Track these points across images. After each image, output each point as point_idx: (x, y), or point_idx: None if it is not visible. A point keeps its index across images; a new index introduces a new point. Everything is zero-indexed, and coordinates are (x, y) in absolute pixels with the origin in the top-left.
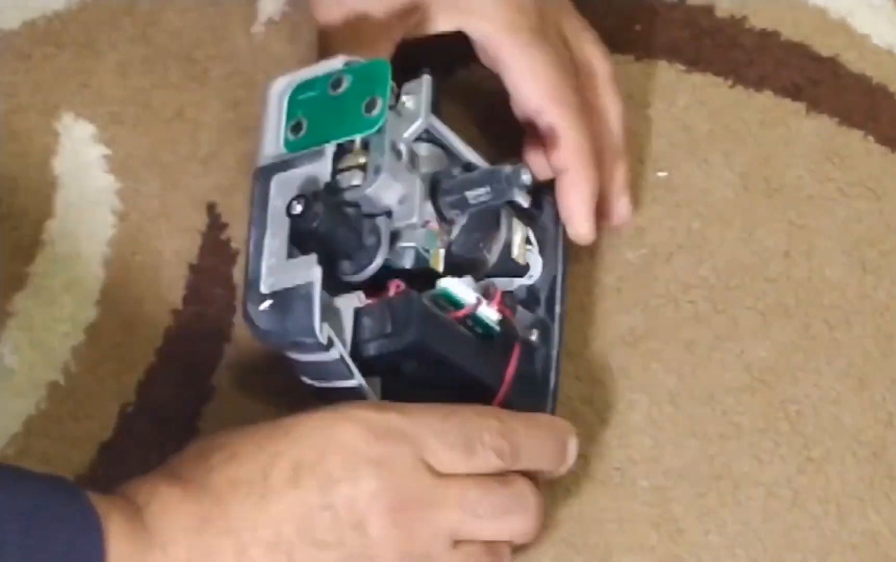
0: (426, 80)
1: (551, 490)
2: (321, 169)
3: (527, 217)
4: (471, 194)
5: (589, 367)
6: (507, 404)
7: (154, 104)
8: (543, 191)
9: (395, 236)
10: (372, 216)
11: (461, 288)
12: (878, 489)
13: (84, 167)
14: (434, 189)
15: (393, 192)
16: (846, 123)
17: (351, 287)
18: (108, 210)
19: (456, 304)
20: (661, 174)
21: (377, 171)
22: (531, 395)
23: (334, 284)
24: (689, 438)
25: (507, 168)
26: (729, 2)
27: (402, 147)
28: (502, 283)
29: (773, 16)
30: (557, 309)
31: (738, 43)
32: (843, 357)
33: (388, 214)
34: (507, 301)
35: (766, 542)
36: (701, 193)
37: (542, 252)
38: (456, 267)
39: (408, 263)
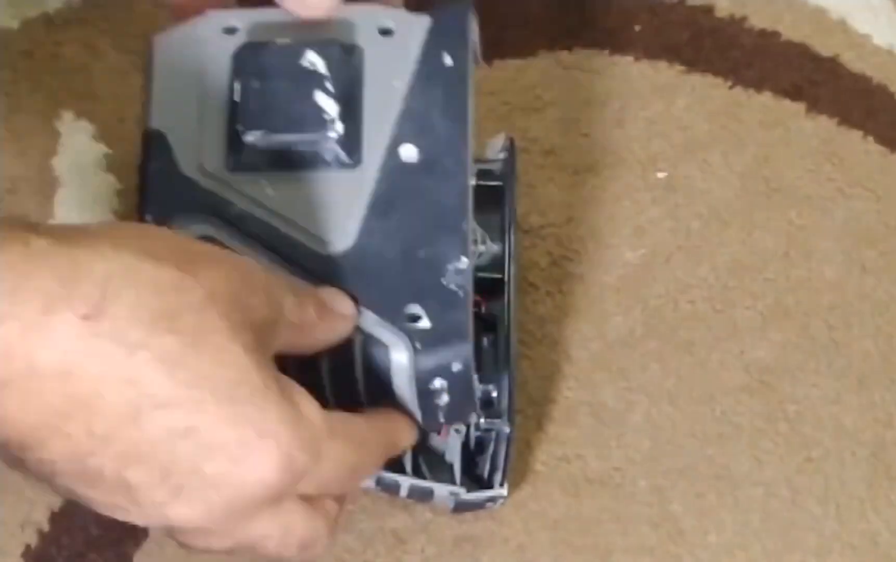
0: None
1: (548, 491)
2: None
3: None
4: None
5: (588, 367)
6: None
7: None
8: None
9: None
10: None
11: None
12: (877, 489)
13: (84, 167)
14: None
15: None
16: (846, 124)
17: None
18: (108, 210)
19: None
20: (660, 174)
21: None
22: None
23: None
24: (688, 438)
25: None
26: (729, 2)
27: None
28: None
29: (773, 16)
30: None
31: (737, 43)
32: (843, 357)
33: None
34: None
35: (766, 542)
36: (700, 194)
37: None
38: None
39: None
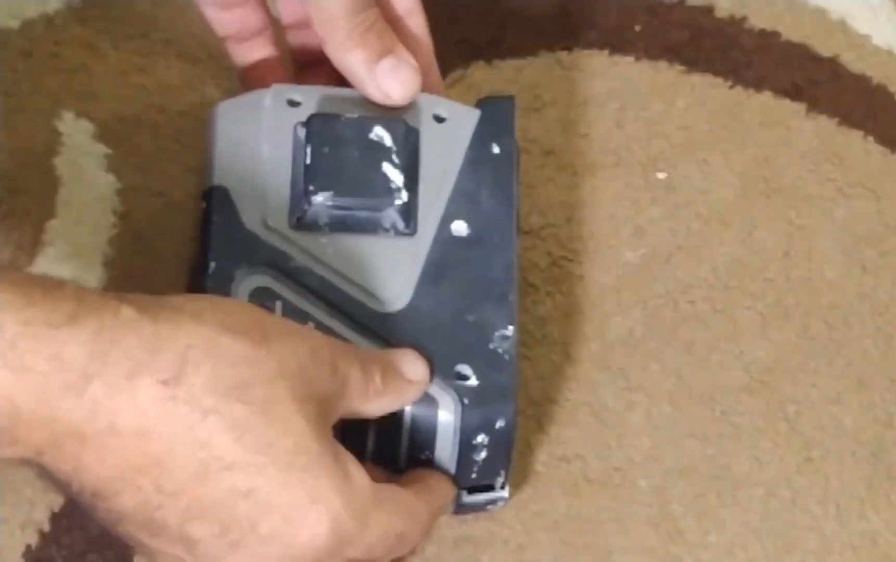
0: None
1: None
2: None
3: None
4: None
5: (588, 367)
6: None
7: (155, 104)
8: None
9: None
10: None
11: None
12: (877, 489)
13: (85, 167)
14: None
15: None
16: (846, 124)
17: None
18: (108, 210)
19: None
20: (660, 175)
21: None
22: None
23: None
24: (688, 438)
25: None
26: (729, 2)
27: None
28: None
29: (773, 16)
30: None
31: (737, 43)
32: (843, 357)
33: None
34: None
35: (766, 542)
36: (700, 194)
37: None
38: None
39: None
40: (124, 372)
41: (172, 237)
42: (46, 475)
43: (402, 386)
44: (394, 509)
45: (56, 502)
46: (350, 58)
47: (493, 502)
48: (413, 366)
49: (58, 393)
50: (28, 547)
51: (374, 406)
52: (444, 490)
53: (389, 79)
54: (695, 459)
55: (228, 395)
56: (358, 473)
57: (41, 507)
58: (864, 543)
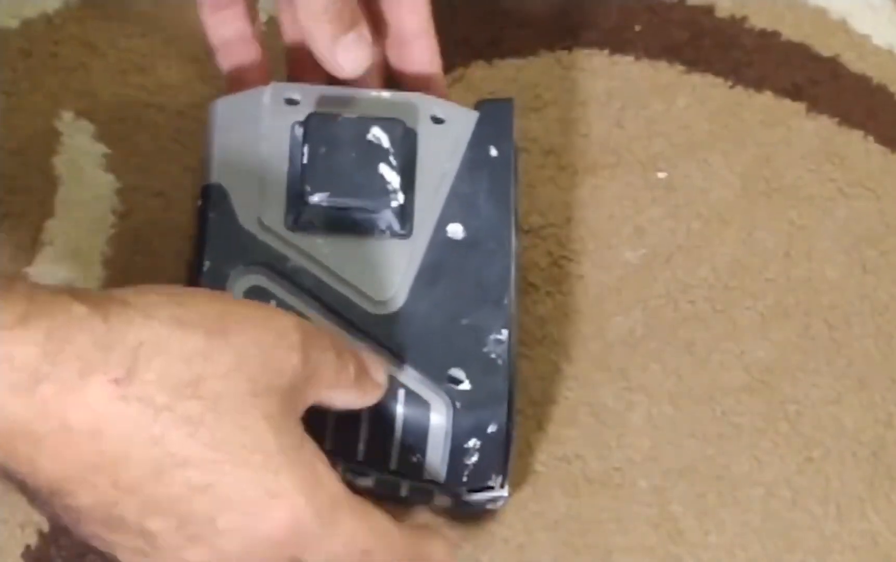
0: None
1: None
2: None
3: None
4: None
5: (587, 367)
6: None
7: (154, 103)
8: None
9: None
10: None
11: None
12: (878, 489)
13: (84, 166)
14: None
15: None
16: (846, 123)
17: None
18: (107, 209)
19: None
20: (660, 174)
21: None
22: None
23: None
24: (688, 438)
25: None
26: (729, 2)
27: None
28: None
29: (773, 16)
30: None
31: (738, 43)
32: (843, 357)
33: None
34: None
35: (766, 542)
36: (701, 194)
37: None
38: None
39: None
40: (76, 371)
41: (172, 237)
42: (5, 476)
43: (368, 385)
44: (363, 522)
45: None
46: (320, 28)
47: (494, 500)
48: (377, 368)
49: (7, 394)
50: (27, 547)
51: (343, 397)
52: (438, 545)
53: (348, 53)
54: (695, 459)
55: (180, 391)
56: (327, 473)
57: None
58: (864, 543)
